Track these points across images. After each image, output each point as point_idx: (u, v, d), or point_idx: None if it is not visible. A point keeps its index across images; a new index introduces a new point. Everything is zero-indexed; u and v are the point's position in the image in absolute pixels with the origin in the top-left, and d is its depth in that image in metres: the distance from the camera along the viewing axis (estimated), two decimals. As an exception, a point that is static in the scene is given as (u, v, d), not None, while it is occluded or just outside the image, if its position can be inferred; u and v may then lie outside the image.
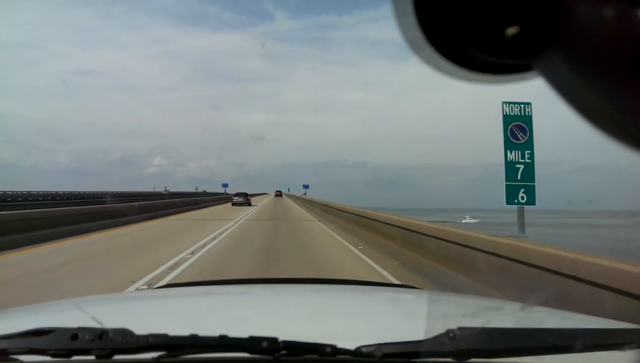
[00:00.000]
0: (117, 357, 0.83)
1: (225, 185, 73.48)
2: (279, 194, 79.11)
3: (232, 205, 34.92)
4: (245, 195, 37.53)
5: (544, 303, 1.99)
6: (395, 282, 6.09)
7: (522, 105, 8.90)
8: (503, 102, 8.91)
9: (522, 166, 8.80)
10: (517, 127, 8.83)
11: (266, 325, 1.27)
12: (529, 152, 8.85)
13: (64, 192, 37.55)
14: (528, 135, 8.86)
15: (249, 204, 35.85)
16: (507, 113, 8.86)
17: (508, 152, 8.83)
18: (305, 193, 70.83)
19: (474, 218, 63.91)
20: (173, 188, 71.00)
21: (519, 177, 8.78)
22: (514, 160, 8.77)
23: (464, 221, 59.14)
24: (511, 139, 8.82)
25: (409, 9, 0.36)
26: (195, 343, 0.84)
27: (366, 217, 13.89)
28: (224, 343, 0.84)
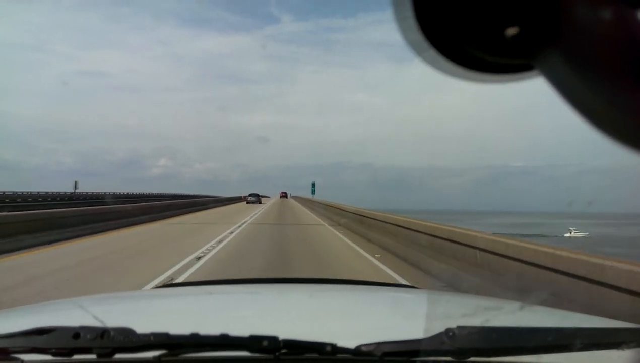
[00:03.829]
0: (118, 355, 0.83)
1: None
2: (284, 195, 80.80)
3: (247, 203, 45.03)
4: (257, 195, 49.53)
5: (544, 303, 1.99)
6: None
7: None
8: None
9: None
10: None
11: (266, 324, 1.27)
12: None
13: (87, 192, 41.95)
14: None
15: (260, 202, 45.66)
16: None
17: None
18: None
19: (579, 231, 48.94)
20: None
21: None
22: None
23: (567, 235, 47.05)
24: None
25: (409, 12, 0.37)
26: (196, 342, 0.85)
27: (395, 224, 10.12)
28: (224, 342, 0.84)
